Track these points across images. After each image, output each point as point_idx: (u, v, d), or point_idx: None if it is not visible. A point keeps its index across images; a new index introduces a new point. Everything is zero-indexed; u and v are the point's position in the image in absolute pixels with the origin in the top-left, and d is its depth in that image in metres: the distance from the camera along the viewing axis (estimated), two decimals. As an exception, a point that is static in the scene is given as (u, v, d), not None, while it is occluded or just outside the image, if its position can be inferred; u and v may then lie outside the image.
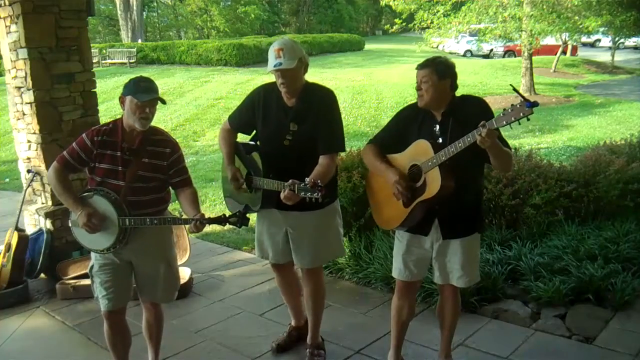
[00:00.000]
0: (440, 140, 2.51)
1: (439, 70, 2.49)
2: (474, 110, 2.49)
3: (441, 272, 2.70)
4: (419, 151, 2.52)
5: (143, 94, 2.57)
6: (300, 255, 2.98)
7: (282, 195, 2.55)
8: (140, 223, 2.61)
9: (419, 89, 2.54)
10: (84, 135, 2.69)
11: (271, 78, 2.90)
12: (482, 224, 2.77)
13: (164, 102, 2.69)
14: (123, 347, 2.91)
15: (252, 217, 3.04)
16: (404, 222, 2.62)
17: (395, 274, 2.81)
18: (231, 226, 2.60)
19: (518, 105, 2.17)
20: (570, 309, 3.48)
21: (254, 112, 2.93)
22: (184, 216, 2.70)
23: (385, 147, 2.72)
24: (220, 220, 2.56)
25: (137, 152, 2.65)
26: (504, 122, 2.21)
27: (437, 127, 2.55)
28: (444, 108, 2.55)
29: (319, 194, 2.42)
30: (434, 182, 2.46)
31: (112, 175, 2.64)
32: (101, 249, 2.68)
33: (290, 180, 2.51)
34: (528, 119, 2.20)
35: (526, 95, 15.83)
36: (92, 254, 2.80)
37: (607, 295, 3.52)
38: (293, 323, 3.35)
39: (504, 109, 2.21)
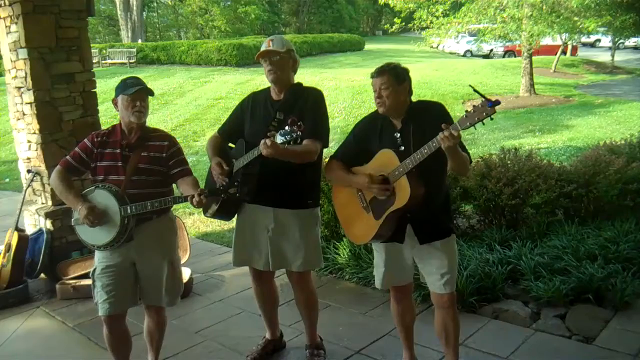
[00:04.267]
0: (403, 148, 2.49)
1: (397, 75, 2.49)
2: (433, 114, 2.48)
3: (427, 279, 2.66)
4: (384, 161, 2.50)
5: (131, 88, 2.69)
6: (282, 256, 2.92)
7: (261, 147, 2.51)
8: (141, 209, 2.64)
9: (379, 96, 2.52)
10: (85, 139, 2.82)
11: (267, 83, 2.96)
12: (453, 224, 2.76)
13: (152, 93, 2.78)
14: (124, 350, 2.91)
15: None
16: (376, 236, 2.57)
17: (377, 284, 2.80)
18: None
19: (480, 106, 2.14)
20: (570, 309, 3.48)
21: (242, 115, 2.99)
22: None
23: (348, 161, 2.71)
24: (220, 191, 2.62)
25: (136, 147, 2.74)
26: (468, 124, 2.18)
27: (398, 134, 2.53)
28: (403, 115, 2.54)
29: (299, 132, 2.43)
30: (403, 190, 2.42)
31: (113, 172, 2.72)
32: (104, 243, 2.70)
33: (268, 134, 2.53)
34: (491, 119, 2.16)
35: (526, 95, 15.98)
36: (96, 257, 2.81)
37: (607, 295, 3.52)
38: (268, 336, 3.27)
39: (466, 111, 2.19)
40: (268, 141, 2.48)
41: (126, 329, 2.90)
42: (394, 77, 2.48)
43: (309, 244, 2.92)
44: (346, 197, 2.71)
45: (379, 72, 2.52)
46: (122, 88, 2.71)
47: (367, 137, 2.65)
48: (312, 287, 3.13)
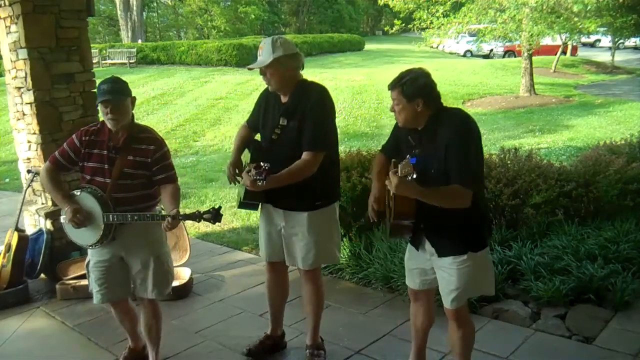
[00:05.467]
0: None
1: (406, 92, 2.35)
2: (445, 132, 2.32)
3: (440, 290, 2.59)
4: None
5: (100, 96, 2.71)
6: (292, 255, 2.99)
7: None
8: (122, 219, 2.71)
9: (392, 110, 2.45)
10: (73, 135, 2.85)
11: None
12: (477, 242, 2.47)
13: (118, 100, 2.71)
14: (130, 323, 3.11)
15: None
16: (390, 235, 2.58)
17: (406, 281, 2.79)
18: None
19: (408, 158, 2.18)
20: (570, 309, 3.48)
21: (259, 110, 3.03)
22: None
23: (391, 156, 2.63)
24: (195, 216, 2.65)
25: (123, 149, 2.76)
26: (404, 172, 2.15)
27: (415, 144, 2.46)
28: (423, 125, 2.43)
29: (262, 176, 2.50)
30: (391, 206, 2.41)
31: (99, 173, 2.77)
32: (89, 243, 2.81)
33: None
34: (412, 178, 2.15)
35: (526, 95, 15.97)
36: (88, 250, 2.92)
37: (607, 296, 3.53)
38: (269, 331, 3.29)
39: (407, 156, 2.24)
40: (244, 175, 2.68)
41: (129, 307, 3.09)
42: (403, 94, 2.36)
43: (318, 243, 2.93)
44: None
45: (391, 86, 2.41)
46: (98, 93, 2.73)
47: (400, 137, 2.58)
48: (320, 284, 3.13)
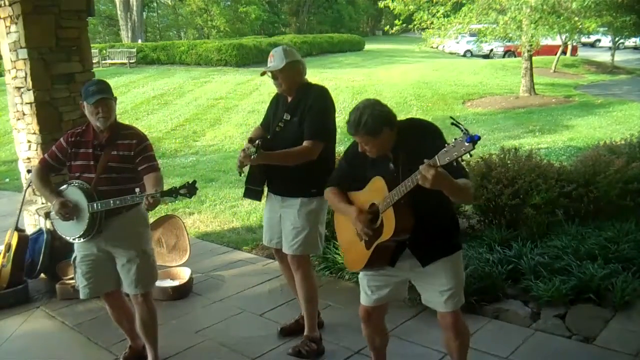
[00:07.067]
0: (396, 175, 2.35)
1: (370, 131, 2.30)
2: (421, 138, 2.31)
3: (430, 300, 2.54)
4: (375, 189, 2.39)
5: (91, 97, 2.81)
6: (285, 240, 3.18)
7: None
8: (105, 206, 2.80)
9: (362, 149, 2.40)
10: (61, 138, 3.00)
11: None
12: (458, 241, 2.52)
13: (110, 97, 2.86)
14: (127, 321, 3.17)
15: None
16: (367, 265, 2.47)
17: (361, 299, 2.64)
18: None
19: (460, 140, 1.97)
20: (570, 309, 3.47)
21: (270, 111, 3.32)
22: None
23: (344, 186, 2.59)
24: (172, 192, 2.72)
25: (107, 145, 2.89)
26: (447, 159, 2.01)
27: (391, 164, 2.40)
28: (391, 146, 2.39)
29: (255, 149, 2.86)
30: (389, 222, 2.31)
31: (86, 170, 2.90)
32: (76, 236, 2.91)
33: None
34: (470, 155, 1.98)
35: (526, 95, 15.95)
36: (75, 246, 3.00)
37: (607, 295, 3.52)
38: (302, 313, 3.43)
39: (447, 143, 2.02)
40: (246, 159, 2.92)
41: (123, 303, 3.16)
42: (368, 134, 2.31)
43: (305, 229, 3.11)
44: (343, 222, 2.61)
45: (353, 131, 2.34)
46: (84, 95, 2.84)
47: (360, 163, 2.51)
48: (308, 272, 3.25)
